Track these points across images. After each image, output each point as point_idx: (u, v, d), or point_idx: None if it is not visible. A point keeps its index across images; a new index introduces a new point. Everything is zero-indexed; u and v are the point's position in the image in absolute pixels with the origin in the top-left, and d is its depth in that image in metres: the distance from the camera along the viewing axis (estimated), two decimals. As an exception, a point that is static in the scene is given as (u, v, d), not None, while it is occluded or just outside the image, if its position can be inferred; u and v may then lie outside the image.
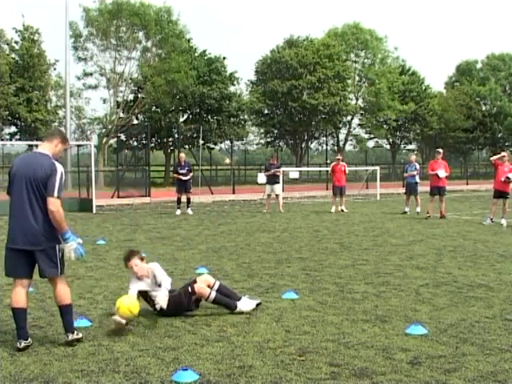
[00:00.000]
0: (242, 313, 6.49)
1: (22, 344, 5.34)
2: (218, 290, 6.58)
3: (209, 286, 6.57)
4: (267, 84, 47.31)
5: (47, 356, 5.19)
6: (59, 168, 5.40)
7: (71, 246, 5.53)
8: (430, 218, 17.10)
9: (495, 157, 16.47)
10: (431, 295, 7.40)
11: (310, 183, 41.71)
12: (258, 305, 6.70)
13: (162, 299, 6.21)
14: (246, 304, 6.57)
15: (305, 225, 15.96)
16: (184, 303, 6.43)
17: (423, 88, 55.75)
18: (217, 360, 5.07)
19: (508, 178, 15.55)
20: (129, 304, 5.97)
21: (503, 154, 16.04)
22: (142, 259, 6.60)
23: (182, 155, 20.23)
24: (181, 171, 19.26)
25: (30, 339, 5.43)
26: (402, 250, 11.18)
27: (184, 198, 19.46)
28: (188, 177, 19.29)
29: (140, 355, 5.20)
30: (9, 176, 5.53)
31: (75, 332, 5.51)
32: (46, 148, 5.54)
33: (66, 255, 5.58)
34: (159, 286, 6.39)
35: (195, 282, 6.61)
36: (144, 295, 6.50)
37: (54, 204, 5.29)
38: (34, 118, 36.46)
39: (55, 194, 5.30)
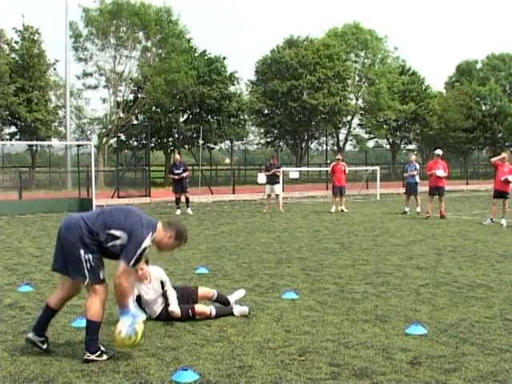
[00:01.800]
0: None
1: (30, 335, 5.24)
2: (216, 300, 6.53)
3: (209, 299, 6.53)
4: (267, 84, 47.31)
5: (47, 356, 5.18)
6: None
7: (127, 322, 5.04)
8: (429, 218, 17.10)
9: (496, 158, 16.47)
10: (431, 295, 7.40)
11: (310, 183, 41.72)
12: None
13: (175, 308, 6.20)
14: (240, 309, 6.52)
15: (305, 225, 15.96)
16: (183, 316, 6.29)
17: (423, 88, 55.75)
18: (217, 360, 5.07)
19: (507, 179, 15.56)
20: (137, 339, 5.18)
21: (503, 155, 16.02)
22: (147, 262, 6.37)
23: (177, 156, 20.26)
24: (176, 171, 19.27)
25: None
26: (402, 250, 11.19)
27: (183, 198, 19.46)
28: (184, 175, 19.21)
29: (140, 355, 5.19)
30: None
31: (97, 353, 5.01)
32: None
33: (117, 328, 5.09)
34: (163, 294, 6.30)
35: (195, 302, 6.43)
36: (138, 300, 6.22)
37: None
38: (33, 118, 36.47)
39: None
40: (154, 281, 6.34)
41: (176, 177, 19.24)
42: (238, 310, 6.48)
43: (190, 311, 6.29)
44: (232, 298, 6.64)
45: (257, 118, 49.33)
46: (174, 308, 6.19)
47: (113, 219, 5.05)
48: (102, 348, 5.08)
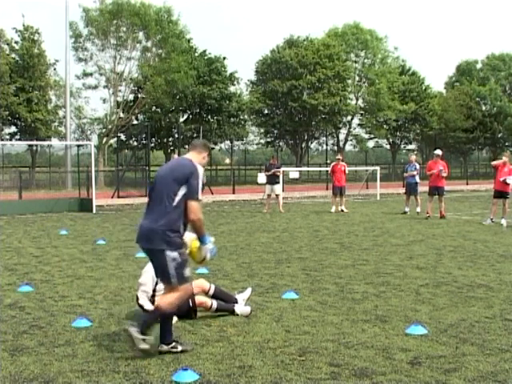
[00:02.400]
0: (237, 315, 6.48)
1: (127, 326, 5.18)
2: (214, 296, 6.52)
3: (204, 291, 6.52)
4: (267, 84, 47.31)
5: (47, 356, 5.19)
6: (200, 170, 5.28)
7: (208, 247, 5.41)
8: (429, 218, 17.10)
9: (496, 162, 16.46)
10: (431, 295, 7.40)
11: (310, 183, 41.71)
12: (250, 295, 6.77)
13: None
14: (242, 309, 6.53)
15: (305, 225, 15.96)
16: (183, 311, 6.28)
17: (423, 88, 55.75)
18: (217, 360, 5.07)
19: (505, 181, 15.56)
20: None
21: (504, 159, 15.96)
22: None
23: (175, 156, 20.27)
24: None
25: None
26: (402, 250, 11.19)
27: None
28: None
29: (140, 355, 5.19)
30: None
31: (172, 344, 5.17)
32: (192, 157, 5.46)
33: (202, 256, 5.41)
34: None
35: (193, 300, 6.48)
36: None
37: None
38: (34, 117, 36.48)
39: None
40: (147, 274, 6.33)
41: None
42: (240, 309, 6.48)
43: (189, 302, 6.23)
44: (240, 298, 6.63)
45: (257, 118, 49.33)
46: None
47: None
48: (176, 339, 5.26)
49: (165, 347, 5.18)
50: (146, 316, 5.22)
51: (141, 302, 6.20)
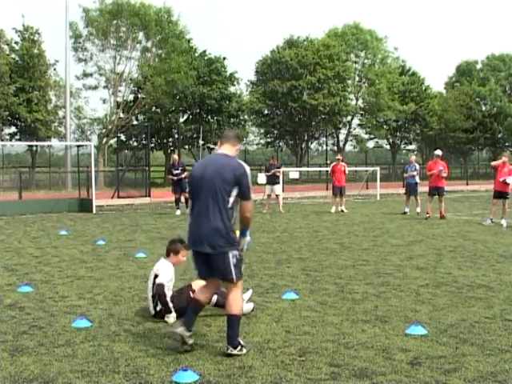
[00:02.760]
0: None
1: (179, 329, 5.23)
2: (216, 305, 6.51)
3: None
4: (267, 84, 47.30)
5: (47, 356, 5.19)
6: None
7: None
8: (429, 219, 17.10)
9: (495, 162, 16.47)
10: (431, 295, 7.40)
11: (310, 183, 41.70)
12: (250, 296, 6.77)
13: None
14: (244, 306, 6.54)
15: (305, 225, 15.96)
16: (184, 307, 6.31)
17: (423, 88, 55.71)
18: (217, 360, 5.07)
19: (505, 181, 15.56)
20: None
21: (504, 159, 15.96)
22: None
23: (175, 157, 20.27)
24: (175, 172, 19.30)
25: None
26: (402, 251, 11.19)
27: (183, 198, 19.46)
28: (182, 176, 19.24)
29: (140, 355, 5.20)
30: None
31: (238, 347, 5.16)
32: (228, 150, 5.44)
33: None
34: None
35: (190, 286, 6.55)
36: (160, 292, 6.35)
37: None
38: (33, 118, 36.46)
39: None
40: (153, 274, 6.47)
41: (175, 178, 19.26)
42: (244, 308, 6.48)
43: (190, 293, 6.25)
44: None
45: (257, 119, 49.32)
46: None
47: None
48: (241, 342, 5.24)
49: (234, 350, 5.16)
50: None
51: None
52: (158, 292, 6.27)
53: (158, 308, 6.36)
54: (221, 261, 5.17)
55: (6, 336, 5.79)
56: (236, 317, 5.20)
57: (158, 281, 6.35)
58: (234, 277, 5.20)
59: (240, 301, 5.31)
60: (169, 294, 6.37)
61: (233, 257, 5.18)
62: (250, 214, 5.31)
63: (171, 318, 6.23)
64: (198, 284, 6.56)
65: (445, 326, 6.05)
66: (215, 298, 6.42)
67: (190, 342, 5.27)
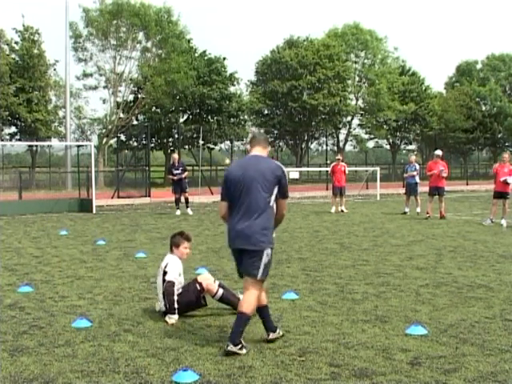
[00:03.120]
0: None
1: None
2: (220, 299, 6.58)
3: (210, 293, 6.56)
4: (267, 84, 47.29)
5: (47, 356, 5.19)
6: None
7: None
8: (429, 219, 17.10)
9: (495, 166, 16.57)
10: (431, 295, 7.40)
11: (310, 183, 41.70)
12: None
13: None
14: None
15: (305, 225, 15.96)
16: (193, 301, 6.43)
17: (423, 88, 55.71)
18: (217, 360, 5.07)
19: (506, 181, 15.57)
20: None
21: (504, 156, 15.98)
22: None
23: (176, 156, 20.20)
24: (175, 172, 19.26)
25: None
26: (402, 251, 11.19)
27: (183, 198, 19.45)
28: (182, 176, 19.22)
29: (140, 355, 5.20)
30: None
31: (239, 345, 5.20)
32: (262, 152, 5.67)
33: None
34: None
35: (196, 280, 6.60)
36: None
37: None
38: (34, 118, 36.45)
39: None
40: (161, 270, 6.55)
41: (175, 177, 19.24)
42: None
43: (197, 285, 6.42)
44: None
45: (257, 119, 49.31)
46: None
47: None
48: (243, 342, 5.27)
49: (234, 348, 5.18)
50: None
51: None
52: (167, 290, 6.30)
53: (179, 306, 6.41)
54: (256, 257, 5.29)
55: (6, 336, 5.79)
56: (245, 315, 5.26)
57: (167, 278, 6.37)
58: (259, 274, 5.31)
59: (253, 302, 5.34)
60: (177, 292, 6.40)
61: (267, 255, 5.34)
62: (285, 213, 5.67)
63: (173, 319, 6.24)
64: (204, 278, 6.59)
65: (445, 326, 6.05)
66: (221, 291, 6.47)
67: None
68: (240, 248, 5.35)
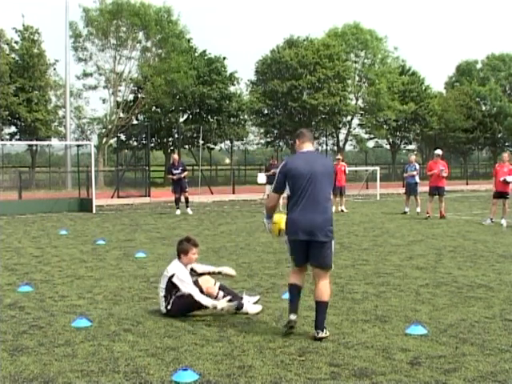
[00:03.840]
0: (246, 313, 6.48)
1: (291, 317, 5.70)
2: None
3: (212, 296, 6.55)
4: (267, 84, 47.25)
5: (47, 356, 5.19)
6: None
7: None
8: (429, 218, 17.10)
9: (496, 165, 16.65)
10: (431, 295, 7.40)
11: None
12: (257, 301, 6.75)
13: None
14: (252, 306, 6.55)
15: (305, 225, 15.93)
16: (193, 303, 6.39)
17: (423, 88, 55.68)
18: (217, 360, 5.07)
19: (505, 181, 15.57)
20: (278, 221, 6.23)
21: (504, 155, 15.98)
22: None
23: (175, 156, 20.21)
24: (175, 171, 19.26)
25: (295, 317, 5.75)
26: (402, 250, 11.19)
27: (183, 198, 19.44)
28: (182, 175, 19.21)
29: (140, 355, 5.20)
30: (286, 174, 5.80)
31: (324, 330, 5.62)
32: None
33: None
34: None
35: (197, 283, 6.59)
36: (170, 290, 6.44)
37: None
38: (33, 117, 36.45)
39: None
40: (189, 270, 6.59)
41: (175, 177, 19.23)
42: (250, 308, 6.51)
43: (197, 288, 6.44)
44: (249, 309, 6.57)
45: (257, 118, 49.28)
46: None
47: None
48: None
49: (322, 333, 5.59)
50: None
51: (197, 298, 6.35)
52: (191, 303, 6.33)
53: (169, 307, 6.41)
54: (328, 248, 5.71)
55: (6, 336, 5.79)
56: (326, 303, 5.71)
57: (185, 291, 6.36)
58: (331, 263, 5.79)
59: (329, 289, 5.79)
60: (179, 293, 6.43)
61: (331, 247, 5.77)
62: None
63: (220, 304, 6.33)
64: (205, 280, 6.57)
65: (445, 326, 6.05)
66: (221, 293, 6.46)
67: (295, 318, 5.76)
68: (312, 240, 5.63)
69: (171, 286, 6.43)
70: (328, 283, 5.77)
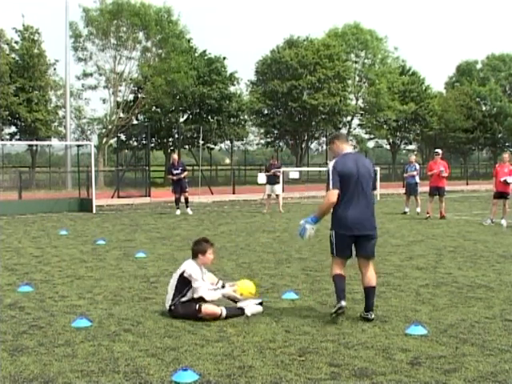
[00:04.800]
0: (247, 315, 6.46)
1: (343, 303, 6.19)
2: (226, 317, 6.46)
3: (215, 316, 6.39)
4: (267, 84, 47.26)
5: (47, 356, 5.19)
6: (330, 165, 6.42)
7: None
8: (429, 219, 17.10)
9: (496, 166, 16.73)
10: (431, 295, 7.40)
11: (310, 183, 41.68)
12: (260, 304, 6.70)
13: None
14: (252, 308, 6.54)
15: (305, 225, 15.93)
16: (193, 314, 6.33)
17: (423, 88, 55.68)
18: (217, 360, 5.07)
19: (506, 181, 15.58)
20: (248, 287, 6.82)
21: (505, 156, 16.01)
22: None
23: (175, 156, 20.20)
24: (175, 172, 19.26)
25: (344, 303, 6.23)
26: (402, 251, 11.18)
27: (183, 198, 19.44)
28: (182, 176, 19.21)
29: (140, 355, 5.20)
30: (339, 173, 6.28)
31: (371, 313, 6.29)
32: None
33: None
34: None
35: (200, 308, 6.39)
36: (180, 289, 6.44)
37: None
38: (34, 118, 36.43)
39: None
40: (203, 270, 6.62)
41: (174, 178, 19.23)
42: (251, 310, 6.50)
43: (196, 307, 6.31)
44: (248, 311, 6.54)
45: (257, 118, 49.28)
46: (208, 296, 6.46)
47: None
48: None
49: (373, 315, 6.28)
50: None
51: (207, 299, 6.43)
52: (193, 312, 6.34)
53: (173, 308, 6.40)
54: (374, 240, 6.50)
55: (6, 336, 5.79)
56: (375, 288, 6.44)
57: (195, 286, 6.39)
58: (374, 255, 6.62)
59: (375, 274, 6.57)
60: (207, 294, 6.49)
61: (376, 239, 6.59)
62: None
63: (224, 291, 6.60)
64: (208, 309, 6.42)
65: (445, 326, 6.05)
66: (224, 311, 6.35)
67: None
68: (362, 234, 6.33)
69: (182, 284, 6.40)
70: (374, 269, 6.54)
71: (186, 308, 6.36)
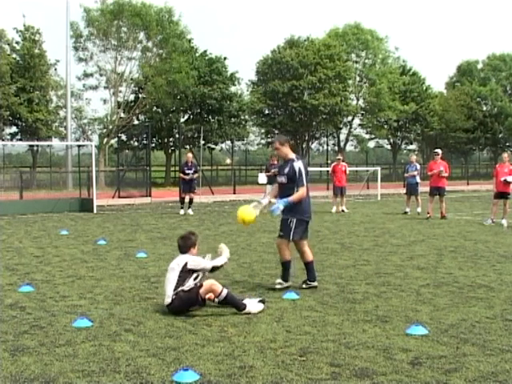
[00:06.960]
0: (248, 313, 6.48)
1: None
2: (224, 301, 6.56)
3: (214, 293, 6.51)
4: (268, 84, 47.26)
5: (48, 356, 5.19)
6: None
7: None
8: (430, 219, 17.10)
9: (496, 166, 16.73)
10: (432, 295, 7.40)
11: (311, 183, 41.54)
12: (262, 302, 6.73)
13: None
14: (254, 305, 6.55)
15: (305, 225, 15.93)
16: (193, 298, 6.44)
17: (424, 88, 55.70)
18: (217, 360, 5.07)
19: (506, 180, 15.58)
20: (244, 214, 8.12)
21: (504, 155, 16.02)
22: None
23: (190, 155, 20.18)
24: (187, 171, 19.29)
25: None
26: (403, 251, 11.19)
27: (187, 198, 19.43)
28: (194, 176, 19.29)
29: (141, 355, 5.20)
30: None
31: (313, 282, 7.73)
32: None
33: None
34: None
35: (201, 285, 6.55)
36: (183, 279, 6.56)
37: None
38: (34, 118, 36.45)
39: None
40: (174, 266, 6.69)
41: (186, 177, 19.26)
42: (252, 307, 6.52)
43: (198, 286, 6.53)
44: (250, 308, 6.58)
45: (257, 119, 49.30)
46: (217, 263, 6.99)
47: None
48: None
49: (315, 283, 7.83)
50: (312, 271, 7.90)
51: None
52: (193, 298, 6.50)
53: (174, 299, 6.45)
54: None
55: (7, 336, 5.79)
56: (312, 262, 7.91)
57: (202, 267, 6.75)
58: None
59: (309, 250, 7.96)
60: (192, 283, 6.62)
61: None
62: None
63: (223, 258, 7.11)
64: (209, 283, 6.53)
65: (445, 326, 6.05)
66: (225, 291, 6.45)
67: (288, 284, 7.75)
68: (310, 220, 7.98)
69: (185, 274, 6.53)
70: (307, 248, 8.00)
71: (189, 294, 6.45)
